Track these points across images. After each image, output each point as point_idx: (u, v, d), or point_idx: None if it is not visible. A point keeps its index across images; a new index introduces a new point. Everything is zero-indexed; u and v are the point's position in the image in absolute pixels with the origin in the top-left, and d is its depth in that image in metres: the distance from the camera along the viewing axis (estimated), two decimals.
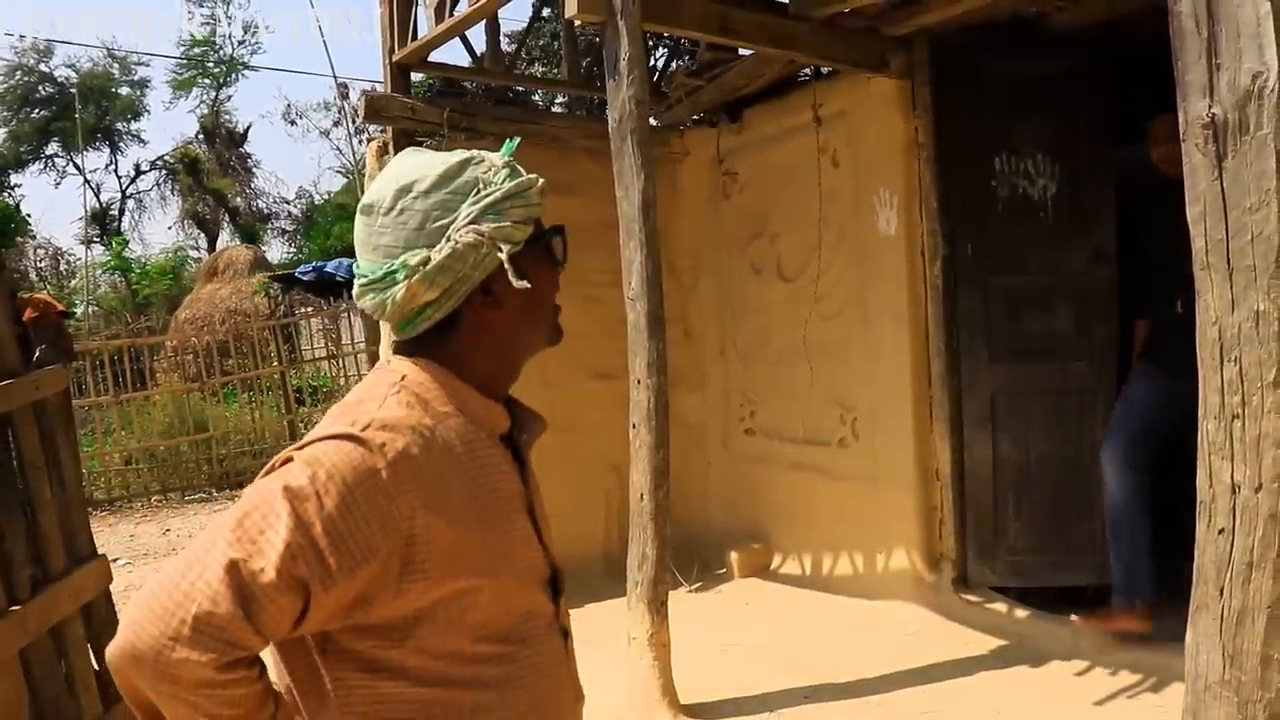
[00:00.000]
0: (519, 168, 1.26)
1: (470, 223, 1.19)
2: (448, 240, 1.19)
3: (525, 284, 1.20)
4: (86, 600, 2.95)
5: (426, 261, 1.18)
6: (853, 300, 4.89)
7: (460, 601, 1.18)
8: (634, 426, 3.72)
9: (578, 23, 3.67)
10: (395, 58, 4.96)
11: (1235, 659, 1.84)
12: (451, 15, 4.58)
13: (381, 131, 5.26)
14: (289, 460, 1.14)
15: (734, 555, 5.44)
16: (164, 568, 1.11)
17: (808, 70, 5.09)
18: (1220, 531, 1.88)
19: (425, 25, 4.79)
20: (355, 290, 1.25)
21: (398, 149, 4.97)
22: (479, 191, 1.21)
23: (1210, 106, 1.86)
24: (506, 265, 1.20)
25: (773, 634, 4.53)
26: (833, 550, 5.10)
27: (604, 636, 4.33)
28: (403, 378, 1.22)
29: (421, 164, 1.24)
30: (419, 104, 5.01)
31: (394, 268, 1.20)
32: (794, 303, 5.19)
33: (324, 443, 1.13)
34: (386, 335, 4.11)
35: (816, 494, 5.13)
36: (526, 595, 1.28)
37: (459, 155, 1.24)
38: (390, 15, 4.94)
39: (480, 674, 1.20)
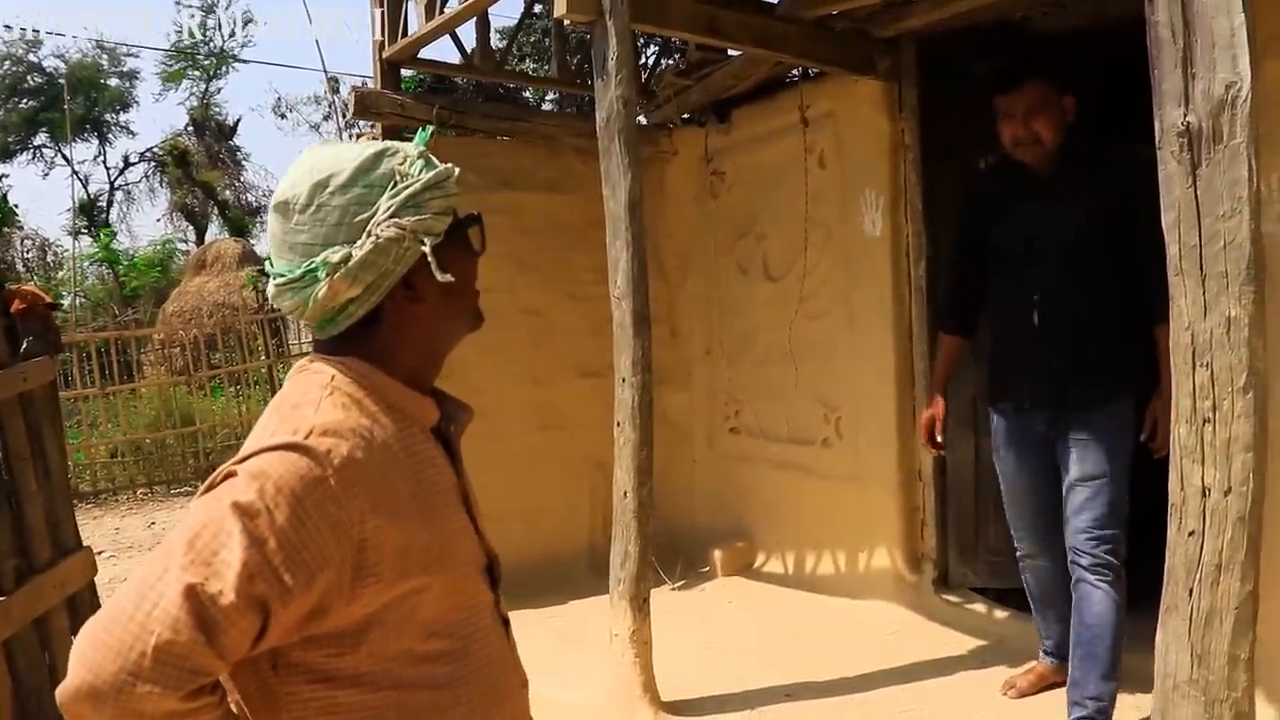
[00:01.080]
0: (433, 158, 1.24)
1: (391, 216, 1.17)
2: (369, 235, 1.16)
3: (449, 277, 1.19)
4: (71, 592, 2.96)
5: (348, 258, 1.16)
6: (838, 300, 4.92)
7: (410, 600, 1.17)
8: (619, 424, 3.74)
9: (567, 22, 3.68)
10: (386, 54, 4.96)
11: (1203, 659, 1.88)
12: (442, 13, 4.60)
13: (371, 127, 5.27)
14: (232, 475, 1.10)
15: (717, 553, 5.46)
16: (113, 598, 1.07)
17: (795, 71, 5.11)
18: (1190, 534, 1.91)
19: (416, 22, 4.81)
20: (271, 291, 1.22)
21: None
22: (396, 184, 1.19)
23: (1185, 115, 1.89)
24: (430, 258, 1.18)
25: (755, 632, 4.56)
26: (815, 549, 5.13)
27: (588, 633, 4.37)
28: (332, 378, 1.20)
29: (336, 157, 1.21)
30: (409, 100, 5.02)
31: (314, 266, 1.17)
32: (780, 302, 5.21)
33: (267, 454, 1.10)
34: None
35: (800, 493, 5.16)
36: (470, 587, 1.28)
37: (373, 147, 1.22)
38: (381, 12, 4.95)
39: (433, 673, 1.20)
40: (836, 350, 4.93)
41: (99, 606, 3.09)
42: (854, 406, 4.85)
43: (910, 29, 4.28)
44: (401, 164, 1.20)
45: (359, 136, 5.33)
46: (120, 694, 1.02)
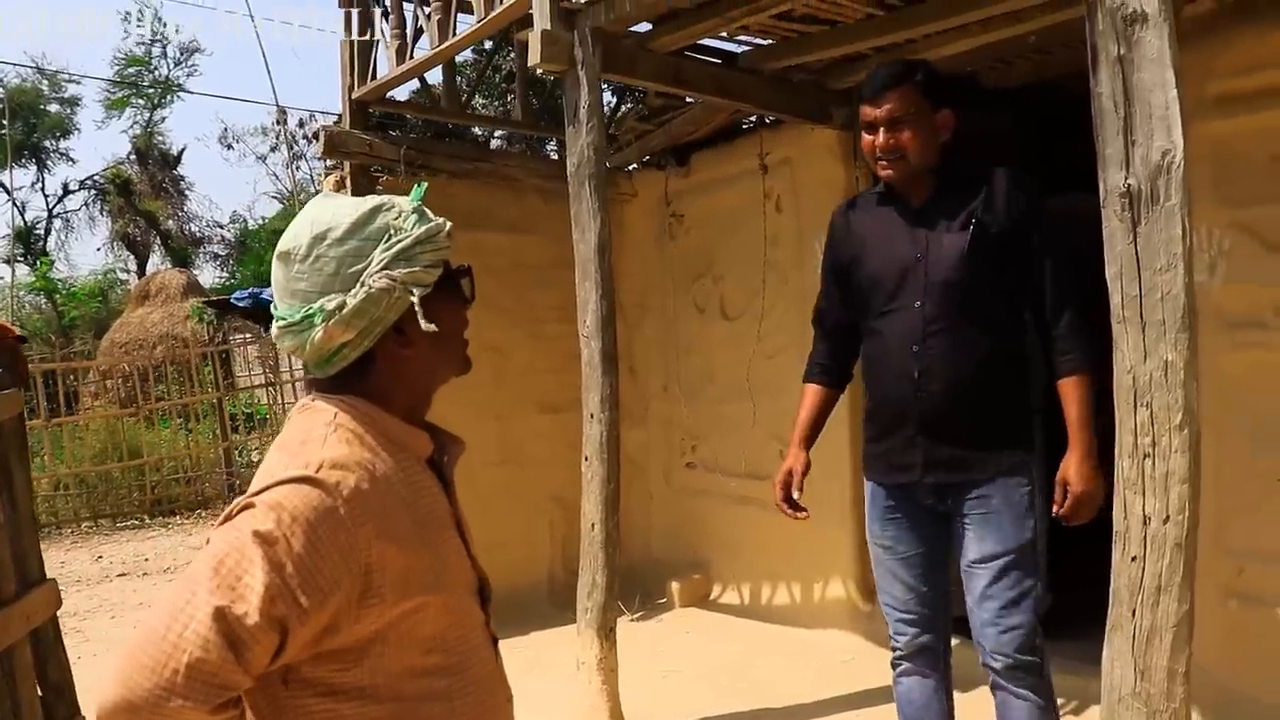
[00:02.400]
0: (427, 212, 1.34)
1: (383, 268, 1.26)
2: (362, 285, 1.26)
3: (433, 327, 1.28)
4: (36, 624, 2.97)
5: (342, 306, 1.25)
6: (793, 340, 5.09)
7: (411, 618, 1.26)
8: (586, 459, 3.87)
9: (539, 70, 3.84)
10: (355, 95, 5.08)
11: (1145, 673, 2.05)
12: (411, 58, 4.73)
13: (337, 166, 5.36)
14: (250, 506, 1.19)
15: (675, 585, 5.59)
16: (143, 621, 1.16)
17: (752, 119, 5.32)
18: (1133, 559, 2.09)
19: (385, 65, 4.93)
20: (274, 332, 1.32)
21: (355, 183, 5.12)
22: (390, 238, 1.28)
23: (1127, 178, 2.09)
24: (417, 308, 1.28)
25: (713, 661, 4.68)
26: (771, 580, 5.28)
27: (550, 662, 4.47)
28: (335, 415, 1.29)
29: (336, 212, 1.30)
30: (376, 140, 5.13)
31: (311, 311, 1.26)
32: (736, 342, 5.39)
33: (282, 487, 1.19)
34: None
35: (756, 526, 5.30)
36: (464, 606, 1.37)
37: (371, 202, 1.31)
38: (351, 54, 5.07)
39: (431, 686, 1.29)
40: (792, 388, 5.04)
41: (60, 640, 3.13)
42: None
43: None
44: (396, 219, 1.30)
45: (326, 175, 5.42)
46: (155, 709, 1.11)
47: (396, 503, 1.26)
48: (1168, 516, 2.05)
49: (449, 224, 1.35)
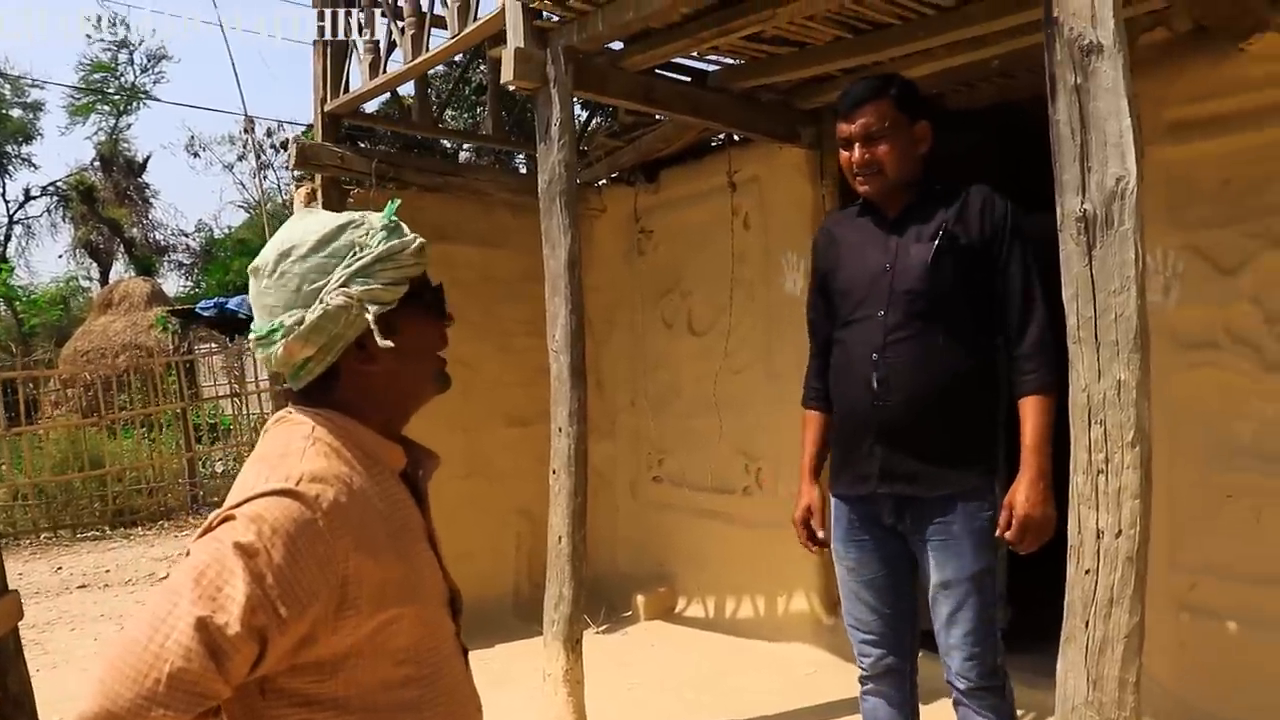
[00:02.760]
0: (402, 228, 1.36)
1: (340, 286, 1.29)
2: (320, 302, 1.28)
3: (389, 343, 1.29)
4: None
5: (301, 321, 1.28)
6: (760, 356, 5.16)
7: (386, 630, 1.28)
8: (554, 472, 3.90)
9: (512, 88, 3.88)
10: (327, 107, 5.10)
11: (1098, 683, 2.11)
12: (385, 72, 4.76)
13: (308, 177, 5.37)
14: (230, 518, 1.21)
15: (640, 598, 5.63)
16: (123, 632, 1.17)
17: (722, 137, 5.39)
18: (1086, 572, 2.15)
19: (358, 78, 4.95)
20: (250, 343, 1.36)
21: (326, 196, 5.14)
22: (354, 254, 1.30)
23: (1083, 203, 2.16)
24: (373, 326, 1.29)
25: (678, 673, 4.72)
26: (736, 594, 5.33)
27: (515, 675, 4.49)
28: (313, 429, 1.31)
29: (304, 229, 1.33)
30: (348, 154, 5.15)
31: (274, 326, 1.30)
32: (704, 357, 5.45)
33: (263, 499, 1.21)
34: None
35: (721, 540, 5.36)
36: (436, 617, 1.39)
37: (340, 219, 1.34)
38: (324, 66, 5.09)
39: (403, 698, 1.31)
40: (758, 403, 5.16)
41: (21, 651, 3.11)
42: (774, 457, 5.08)
43: (831, 102, 4.57)
44: (363, 235, 1.32)
45: (297, 186, 5.42)
46: (137, 718, 1.12)
47: (373, 515, 1.29)
48: (1120, 531, 2.11)
49: (419, 241, 1.36)
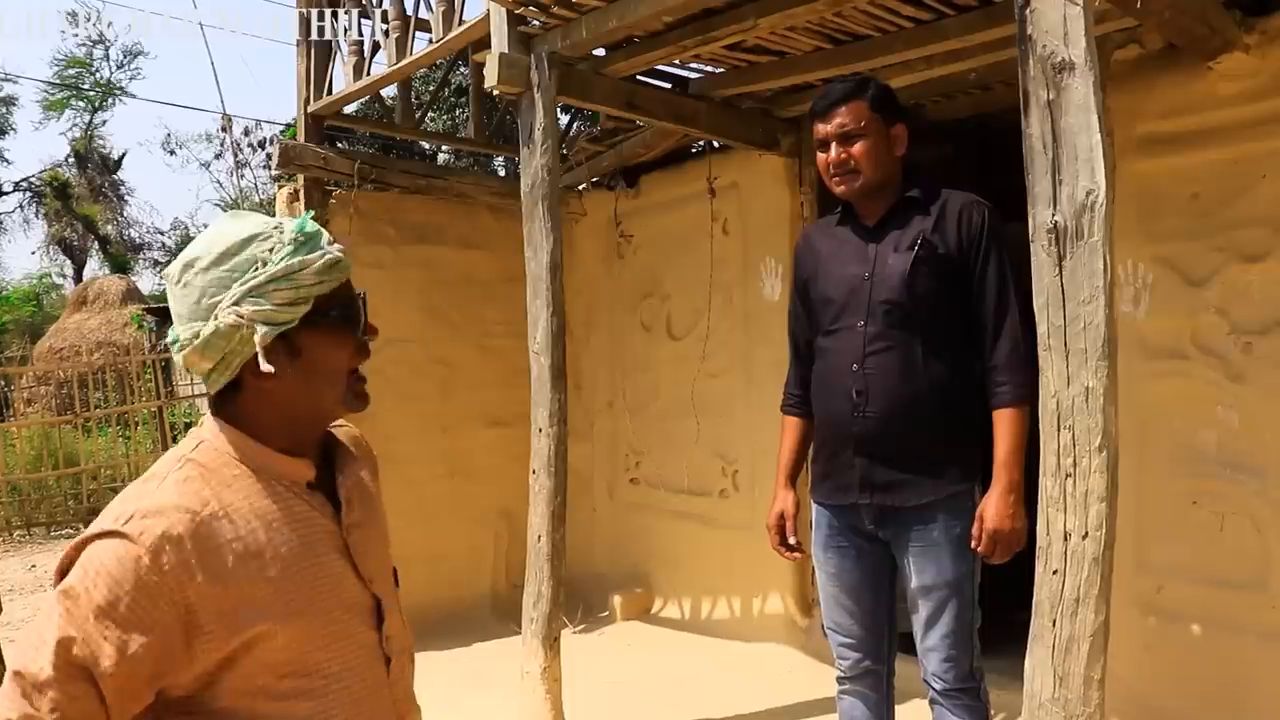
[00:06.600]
0: (316, 240, 1.32)
1: (234, 304, 1.26)
2: (214, 318, 1.26)
3: (269, 368, 1.27)
4: None
5: (197, 335, 1.27)
6: (737, 360, 5.22)
7: (258, 646, 1.26)
8: (534, 472, 3.94)
9: (496, 92, 3.92)
10: (311, 108, 5.13)
11: (1064, 680, 2.18)
12: (368, 74, 4.79)
13: (289, 177, 5.40)
14: (72, 561, 1.24)
15: (616, 598, 5.68)
16: None
17: (702, 143, 5.45)
18: (1054, 572, 2.22)
19: (342, 80, 4.99)
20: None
21: (308, 196, 5.16)
22: (253, 271, 1.27)
23: (1054, 215, 2.23)
24: (259, 349, 1.27)
25: (654, 673, 4.77)
26: (712, 595, 5.39)
27: (493, 674, 4.53)
28: (196, 446, 1.31)
29: (211, 239, 1.30)
30: (331, 154, 5.18)
31: (176, 336, 1.30)
32: (682, 360, 5.50)
33: (94, 543, 1.22)
34: None
35: (697, 541, 5.41)
36: (338, 630, 1.35)
37: (251, 230, 1.30)
38: (308, 68, 5.12)
39: (291, 709, 1.29)
40: (735, 406, 5.22)
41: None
42: (750, 459, 5.14)
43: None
44: (268, 250, 1.29)
45: (280, 186, 5.44)
46: None
47: (229, 537, 1.26)
48: (1086, 533, 2.18)
49: (328, 257, 1.33)
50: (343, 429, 1.54)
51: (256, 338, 1.26)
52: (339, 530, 1.39)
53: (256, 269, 1.27)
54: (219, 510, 1.26)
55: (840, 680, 2.94)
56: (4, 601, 7.08)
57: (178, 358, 1.32)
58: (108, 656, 1.17)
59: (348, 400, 1.39)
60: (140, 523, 1.21)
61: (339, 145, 6.37)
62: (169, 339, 1.33)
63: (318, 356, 1.33)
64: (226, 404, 1.34)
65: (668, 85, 4.56)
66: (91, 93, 26.30)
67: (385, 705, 1.42)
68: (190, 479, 1.28)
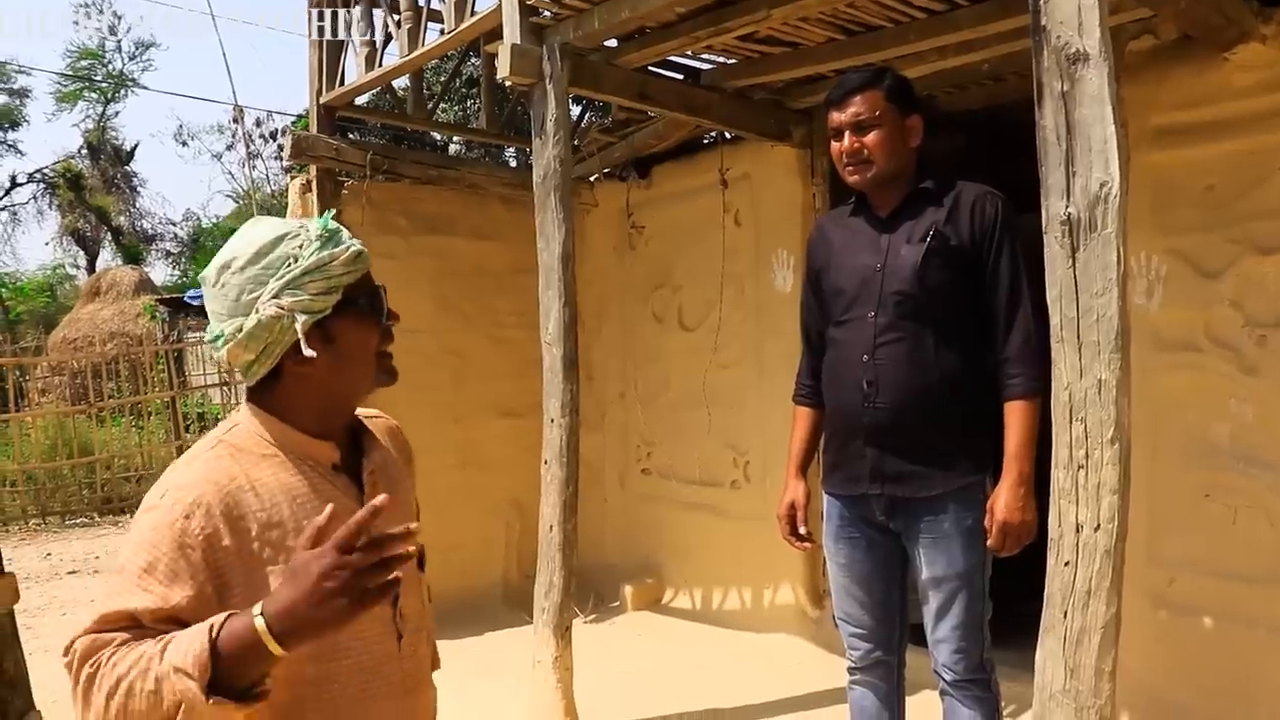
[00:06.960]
0: (340, 236, 1.45)
1: (273, 297, 1.38)
2: (255, 312, 1.39)
3: (312, 353, 1.40)
4: None
5: (240, 329, 1.39)
6: (749, 351, 5.22)
7: None
8: (546, 463, 3.95)
9: (508, 83, 3.92)
10: (323, 100, 5.14)
11: (1075, 671, 2.18)
12: (380, 65, 4.79)
13: (301, 169, 5.42)
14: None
15: (627, 589, 5.70)
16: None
17: (714, 134, 5.45)
18: (1066, 564, 2.22)
19: (354, 71, 4.99)
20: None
21: (321, 187, 5.18)
22: (288, 266, 1.40)
23: (1067, 207, 2.22)
24: (300, 335, 1.39)
25: (664, 663, 4.79)
26: (722, 586, 5.40)
27: (504, 663, 4.55)
28: (229, 430, 1.45)
29: (245, 241, 1.42)
30: (343, 145, 5.19)
31: (219, 332, 1.41)
32: (693, 351, 5.50)
33: (141, 516, 1.37)
34: None
35: (708, 532, 5.42)
36: None
37: (280, 230, 1.43)
38: (320, 59, 5.12)
39: (298, 672, 1.37)
40: (746, 397, 5.22)
41: (17, 634, 3.16)
42: (762, 450, 5.14)
43: (822, 102, 4.63)
44: (299, 247, 1.41)
45: (291, 177, 5.46)
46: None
47: (255, 510, 1.38)
48: (1098, 525, 2.18)
49: (352, 249, 1.44)
50: (379, 420, 1.67)
51: (297, 326, 1.39)
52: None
53: (290, 264, 1.40)
54: (245, 484, 1.40)
55: (851, 671, 2.94)
56: (21, 589, 7.12)
57: (221, 353, 1.43)
58: (150, 611, 1.29)
59: (379, 377, 1.53)
60: (175, 494, 1.36)
61: (351, 136, 6.37)
62: (209, 336, 1.43)
63: (350, 341, 1.46)
64: (263, 393, 1.47)
65: (680, 76, 4.55)
66: (104, 84, 26.38)
67: (394, 678, 1.50)
68: (221, 457, 1.42)
